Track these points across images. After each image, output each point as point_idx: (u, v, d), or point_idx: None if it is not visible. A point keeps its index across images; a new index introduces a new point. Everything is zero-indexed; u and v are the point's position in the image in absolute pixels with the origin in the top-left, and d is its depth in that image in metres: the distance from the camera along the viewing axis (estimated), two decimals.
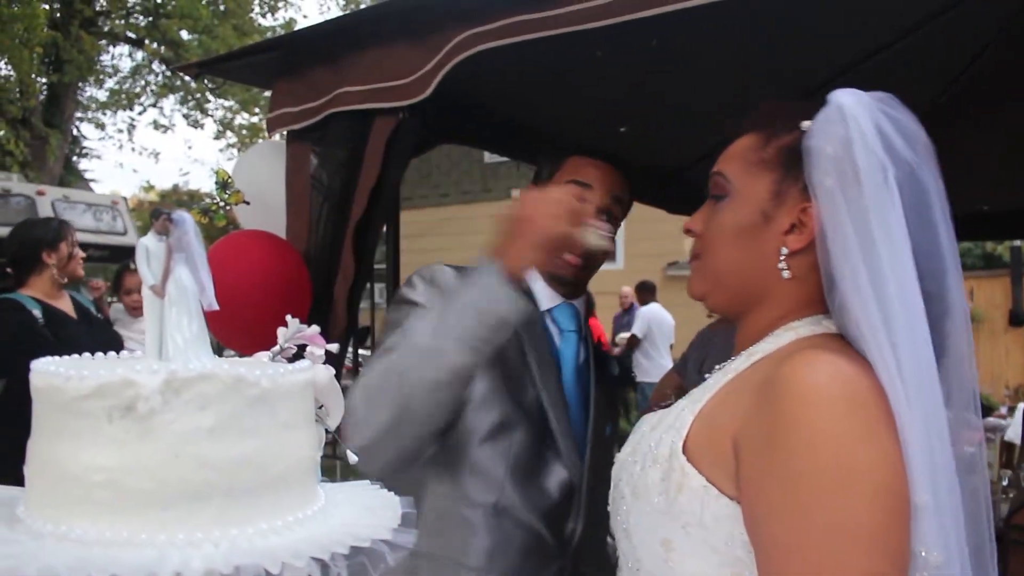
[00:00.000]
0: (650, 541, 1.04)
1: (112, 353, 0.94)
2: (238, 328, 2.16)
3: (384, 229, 2.81)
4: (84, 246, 3.61)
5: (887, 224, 0.95)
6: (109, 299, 6.07)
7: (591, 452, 1.58)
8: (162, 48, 15.96)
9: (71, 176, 17.53)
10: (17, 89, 13.49)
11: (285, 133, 2.46)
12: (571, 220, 1.33)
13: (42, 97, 14.71)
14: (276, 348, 0.97)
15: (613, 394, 1.76)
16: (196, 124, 18.16)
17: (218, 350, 1.15)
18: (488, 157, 15.29)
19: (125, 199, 12.15)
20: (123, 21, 16.18)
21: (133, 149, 44.41)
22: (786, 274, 1.06)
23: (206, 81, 2.73)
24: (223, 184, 2.26)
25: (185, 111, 17.95)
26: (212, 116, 18.08)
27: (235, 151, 19.24)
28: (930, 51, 2.45)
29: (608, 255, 1.60)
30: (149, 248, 0.90)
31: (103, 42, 15.84)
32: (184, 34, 15.62)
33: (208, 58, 3.07)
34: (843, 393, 0.91)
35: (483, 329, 1.29)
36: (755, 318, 1.10)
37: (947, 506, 0.90)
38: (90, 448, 0.76)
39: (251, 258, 2.28)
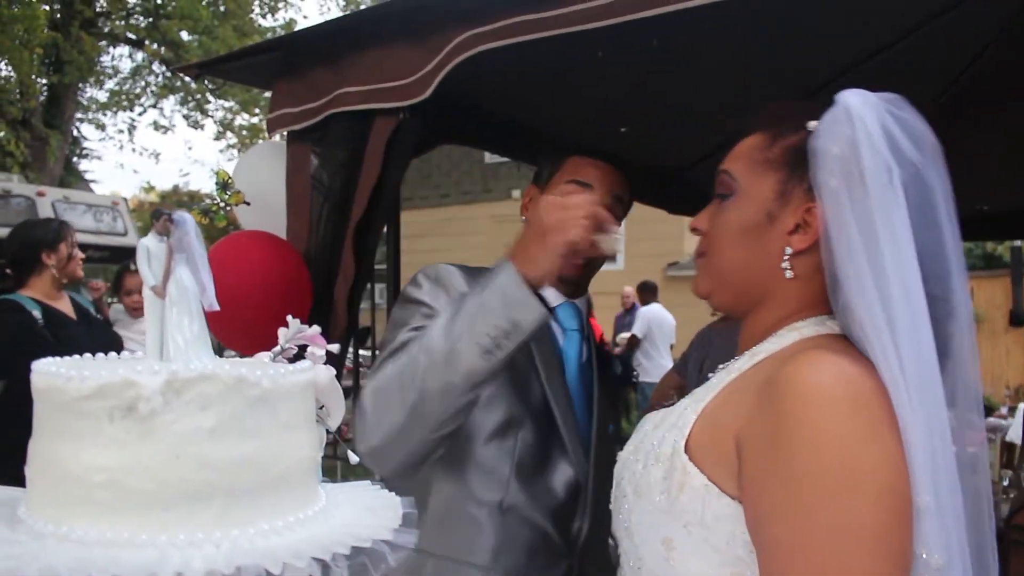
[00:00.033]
0: (651, 540, 1.04)
1: (113, 354, 0.94)
2: (239, 329, 2.16)
3: (384, 229, 2.81)
4: (84, 247, 3.61)
5: (892, 225, 0.95)
6: (109, 300, 6.07)
7: (596, 451, 1.58)
8: (162, 49, 15.95)
9: (71, 177, 17.53)
10: (17, 90, 13.48)
11: (285, 134, 2.46)
12: (593, 227, 1.32)
13: (42, 98, 14.71)
14: (277, 348, 0.97)
15: (615, 393, 1.76)
16: (196, 125, 18.15)
17: (218, 350, 1.15)
18: (488, 158, 15.29)
19: (125, 200, 12.15)
20: (123, 22, 16.18)
21: (134, 150, 44.38)
22: (789, 274, 1.06)
23: (206, 82, 2.73)
24: (223, 185, 2.26)
25: (185, 112, 17.96)
26: (212, 117, 18.09)
27: (235, 152, 19.24)
28: (931, 51, 2.45)
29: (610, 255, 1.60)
30: (150, 249, 0.90)
31: (103, 43, 15.83)
32: (184, 35, 15.61)
33: (208, 59, 3.08)
34: (846, 393, 0.91)
35: (499, 334, 1.28)
36: (759, 318, 1.10)
37: (949, 508, 0.90)
38: (91, 448, 0.76)
39: (252, 259, 2.28)
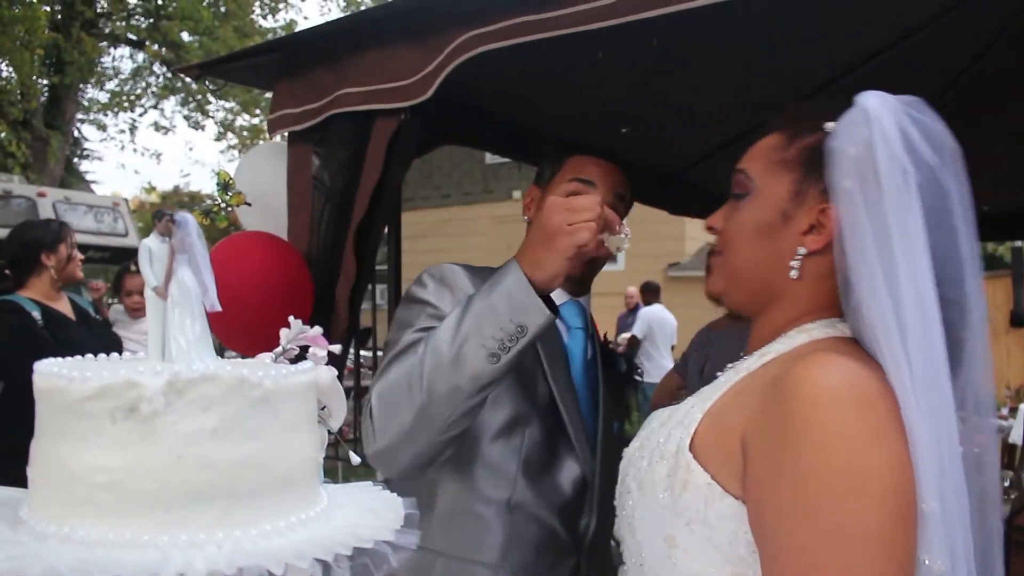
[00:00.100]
0: (654, 537, 1.04)
1: (115, 354, 0.94)
2: (240, 329, 2.16)
3: (386, 230, 2.81)
4: (85, 248, 3.61)
5: (906, 228, 0.94)
6: (109, 300, 6.07)
7: (602, 448, 1.58)
8: (163, 50, 15.96)
9: (72, 178, 17.54)
10: (18, 91, 13.49)
11: (286, 134, 2.46)
12: (601, 229, 1.31)
13: (43, 99, 14.72)
14: (279, 349, 0.97)
15: (620, 391, 1.76)
16: (197, 126, 18.17)
17: (219, 351, 1.15)
18: (489, 158, 15.30)
19: (126, 200, 12.17)
20: (124, 23, 16.19)
21: (135, 150, 44.33)
22: (794, 274, 1.06)
23: (207, 83, 2.73)
24: (224, 185, 2.26)
25: (186, 113, 17.97)
26: (213, 118, 18.10)
27: (236, 152, 19.25)
28: (931, 52, 2.45)
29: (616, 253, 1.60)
30: (152, 249, 0.90)
31: (104, 44, 15.84)
32: (185, 36, 15.62)
33: (209, 60, 3.08)
34: (853, 395, 0.90)
35: (505, 337, 1.27)
36: (770, 318, 1.11)
37: (954, 513, 0.90)
38: (93, 449, 0.76)
39: (253, 259, 2.28)
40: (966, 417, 0.96)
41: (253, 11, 16.85)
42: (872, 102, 0.99)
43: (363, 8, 14.83)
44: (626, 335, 9.01)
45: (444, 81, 2.01)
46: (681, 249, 14.78)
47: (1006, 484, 3.94)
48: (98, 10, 15.22)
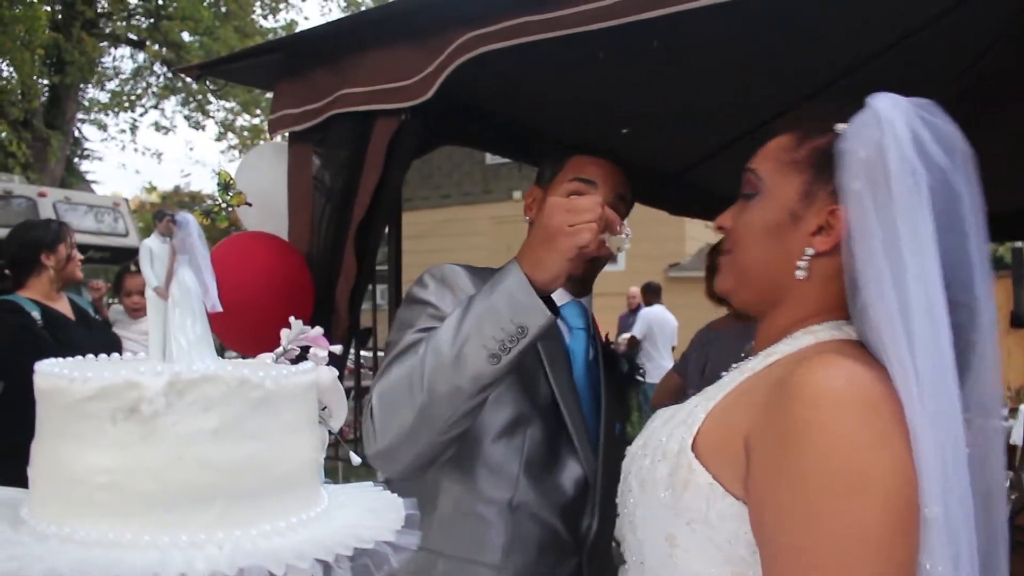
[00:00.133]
0: (655, 536, 1.04)
1: (116, 355, 0.94)
2: (241, 330, 2.16)
3: (386, 230, 2.81)
4: (85, 248, 3.61)
5: (916, 231, 0.94)
6: (109, 301, 6.07)
7: (604, 448, 1.58)
8: (163, 50, 15.97)
9: (72, 178, 17.55)
10: (19, 91, 13.49)
11: (287, 134, 2.47)
12: (602, 229, 1.31)
13: (44, 99, 14.73)
14: (279, 350, 0.97)
15: (622, 391, 1.77)
16: (197, 126, 18.18)
17: (220, 351, 1.15)
18: (489, 159, 15.31)
19: (127, 200, 12.17)
20: (124, 23, 16.20)
21: (136, 150, 44.32)
22: (801, 275, 1.06)
23: (208, 83, 2.73)
24: (225, 186, 2.27)
25: (186, 113, 17.97)
26: (213, 118, 18.11)
27: (237, 153, 19.25)
28: (932, 52, 2.45)
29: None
30: (153, 250, 0.90)
31: (104, 44, 15.85)
32: (185, 36, 15.63)
33: (209, 60, 3.08)
34: (857, 398, 0.90)
35: (505, 337, 1.27)
36: (776, 318, 1.11)
37: (958, 519, 0.89)
38: (94, 450, 0.76)
39: (254, 260, 2.28)
40: (972, 419, 0.96)
41: (254, 11, 16.85)
42: (884, 104, 0.99)
43: (364, 8, 14.84)
44: (626, 335, 9.01)
45: (445, 81, 2.01)
46: (681, 250, 14.78)
47: (1007, 485, 3.94)
48: (99, 10, 15.22)
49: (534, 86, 2.50)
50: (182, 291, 0.89)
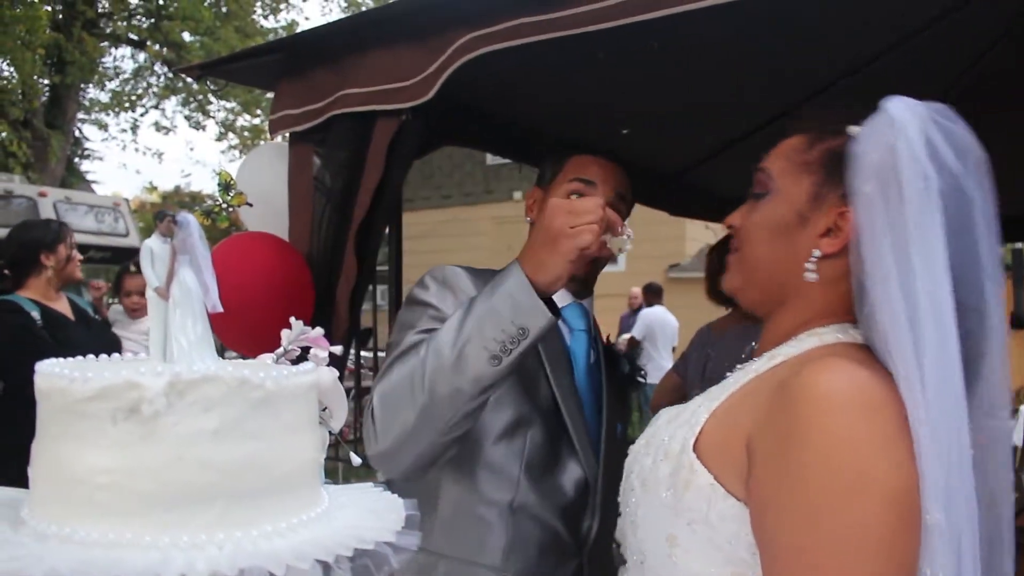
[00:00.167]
0: (655, 535, 1.04)
1: (116, 355, 0.94)
2: (242, 330, 2.16)
3: (386, 231, 2.81)
4: (86, 248, 3.61)
5: (925, 236, 0.93)
6: (109, 300, 6.07)
7: (605, 450, 1.58)
8: (164, 50, 15.97)
9: (73, 178, 17.55)
10: (19, 91, 13.50)
11: (287, 135, 2.47)
12: (603, 230, 1.31)
13: (44, 99, 14.73)
14: (280, 350, 0.97)
15: (623, 393, 1.77)
16: (198, 126, 18.18)
17: (220, 352, 1.15)
18: (490, 159, 15.30)
19: (127, 200, 12.17)
20: (125, 23, 16.20)
21: (137, 149, 44.26)
22: (812, 276, 1.05)
23: (208, 83, 2.73)
24: (226, 186, 2.26)
25: (187, 113, 17.97)
26: (214, 118, 18.11)
27: (237, 153, 19.26)
28: (933, 53, 2.45)
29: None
30: (153, 250, 0.90)
31: (105, 44, 15.85)
32: (186, 36, 15.63)
33: (210, 60, 3.08)
34: (860, 400, 0.90)
35: (506, 339, 1.27)
36: (782, 319, 1.11)
37: (960, 526, 0.89)
38: (94, 450, 0.76)
39: (255, 260, 2.28)
40: (979, 426, 0.96)
41: (254, 11, 16.86)
42: (898, 108, 0.99)
43: (365, 9, 14.85)
44: (626, 336, 9.02)
45: (446, 82, 2.01)
46: (681, 250, 14.78)
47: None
48: (99, 10, 15.23)
49: (535, 86, 2.51)
50: (183, 291, 0.89)
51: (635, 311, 9.81)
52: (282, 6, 17.39)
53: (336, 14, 18.99)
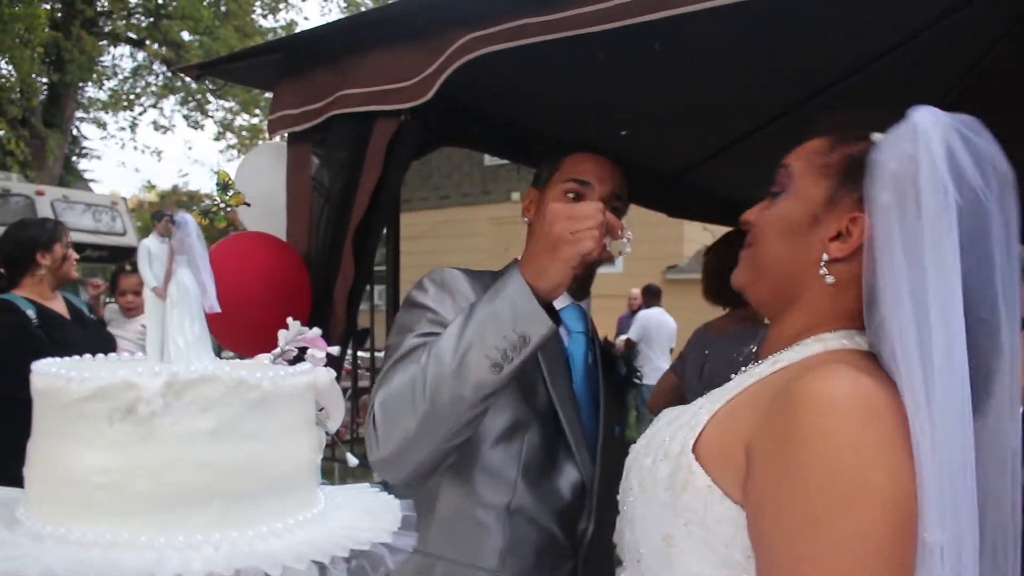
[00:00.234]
0: (652, 535, 1.05)
1: (113, 355, 0.94)
2: (239, 330, 2.16)
3: (384, 231, 2.81)
4: (83, 246, 3.61)
5: (940, 249, 0.92)
6: (106, 300, 6.06)
7: (602, 452, 1.58)
8: (163, 49, 15.97)
9: (71, 176, 17.53)
10: (18, 89, 13.49)
11: (286, 135, 2.46)
12: (603, 235, 1.30)
13: (43, 97, 14.72)
14: (277, 351, 0.97)
15: (621, 394, 1.76)
16: (196, 125, 18.20)
17: (217, 352, 1.15)
18: (488, 160, 15.31)
19: (124, 199, 12.16)
20: (124, 22, 16.20)
21: (135, 148, 44.19)
22: (831, 279, 1.05)
23: (207, 82, 2.73)
24: (224, 186, 2.26)
25: (185, 112, 17.98)
26: (212, 117, 18.11)
27: (235, 152, 19.25)
28: (934, 53, 2.45)
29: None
30: (151, 250, 0.90)
31: (104, 42, 15.85)
32: (185, 35, 15.64)
33: (209, 59, 3.08)
34: (862, 407, 0.90)
35: (508, 346, 1.27)
36: (787, 321, 1.10)
37: (962, 544, 0.88)
38: (91, 450, 0.76)
39: (252, 260, 2.28)
40: (990, 442, 0.95)
41: (253, 11, 16.86)
42: (923, 118, 0.98)
43: (364, 9, 14.85)
44: (623, 337, 9.02)
45: (445, 82, 2.01)
46: (679, 251, 14.78)
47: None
48: (98, 8, 15.22)
49: (534, 87, 2.50)
50: (180, 291, 0.89)
51: (634, 312, 9.81)
52: (281, 6, 17.41)
53: (335, 14, 19.01)
